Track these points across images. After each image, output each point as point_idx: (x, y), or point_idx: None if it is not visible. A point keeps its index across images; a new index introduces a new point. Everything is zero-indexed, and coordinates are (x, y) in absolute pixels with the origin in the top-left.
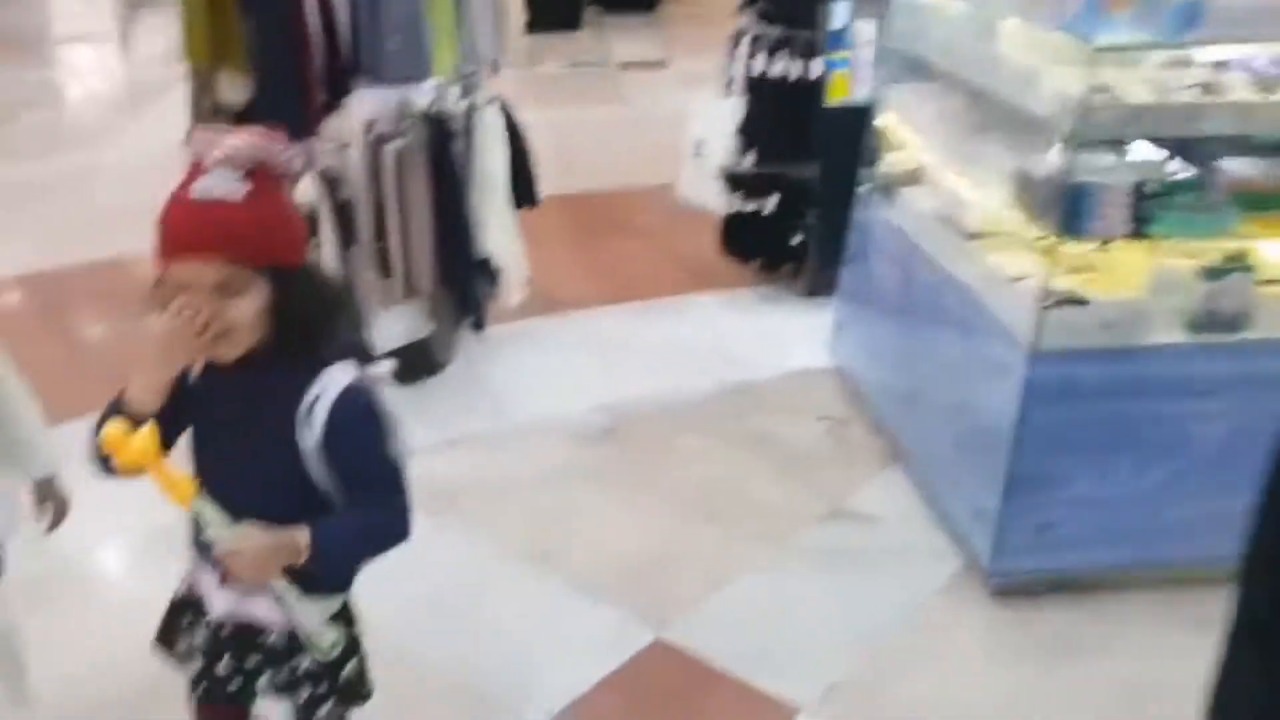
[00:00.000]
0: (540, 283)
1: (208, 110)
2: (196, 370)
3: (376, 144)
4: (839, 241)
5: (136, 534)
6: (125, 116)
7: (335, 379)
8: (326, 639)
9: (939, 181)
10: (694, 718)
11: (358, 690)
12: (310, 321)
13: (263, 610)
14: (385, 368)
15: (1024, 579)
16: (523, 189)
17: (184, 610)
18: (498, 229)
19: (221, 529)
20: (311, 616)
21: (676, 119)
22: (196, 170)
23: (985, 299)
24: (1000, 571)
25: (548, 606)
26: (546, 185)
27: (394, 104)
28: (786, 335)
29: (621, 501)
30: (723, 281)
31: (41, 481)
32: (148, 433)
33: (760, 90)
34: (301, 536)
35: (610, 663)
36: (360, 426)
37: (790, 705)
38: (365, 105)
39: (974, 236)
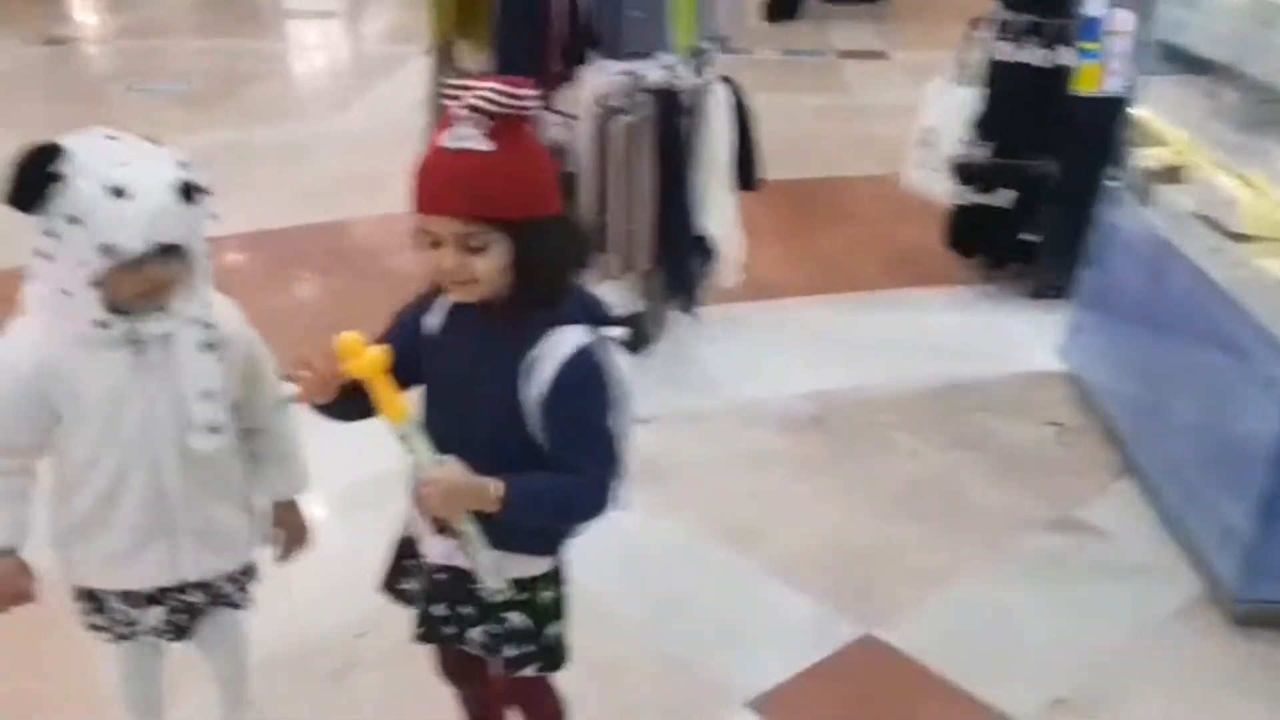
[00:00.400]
0: (755, 268)
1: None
2: (436, 314)
3: (606, 117)
4: (1075, 241)
5: (339, 487)
6: (352, 90)
7: (568, 338)
8: (499, 592)
9: (1202, 180)
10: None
11: (558, 654)
12: (552, 276)
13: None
14: (620, 332)
15: (1275, 608)
16: (745, 171)
17: (406, 553)
18: (718, 209)
19: (424, 458)
20: (488, 566)
21: (898, 110)
22: (448, 119)
23: (1251, 306)
24: (1247, 598)
25: (749, 590)
26: (763, 172)
27: (627, 77)
28: (1012, 335)
29: (828, 492)
30: (942, 277)
31: (284, 505)
32: (381, 349)
33: (1002, 78)
34: (496, 486)
35: (815, 654)
36: (583, 392)
37: (1009, 718)
38: (598, 78)
39: (1241, 239)
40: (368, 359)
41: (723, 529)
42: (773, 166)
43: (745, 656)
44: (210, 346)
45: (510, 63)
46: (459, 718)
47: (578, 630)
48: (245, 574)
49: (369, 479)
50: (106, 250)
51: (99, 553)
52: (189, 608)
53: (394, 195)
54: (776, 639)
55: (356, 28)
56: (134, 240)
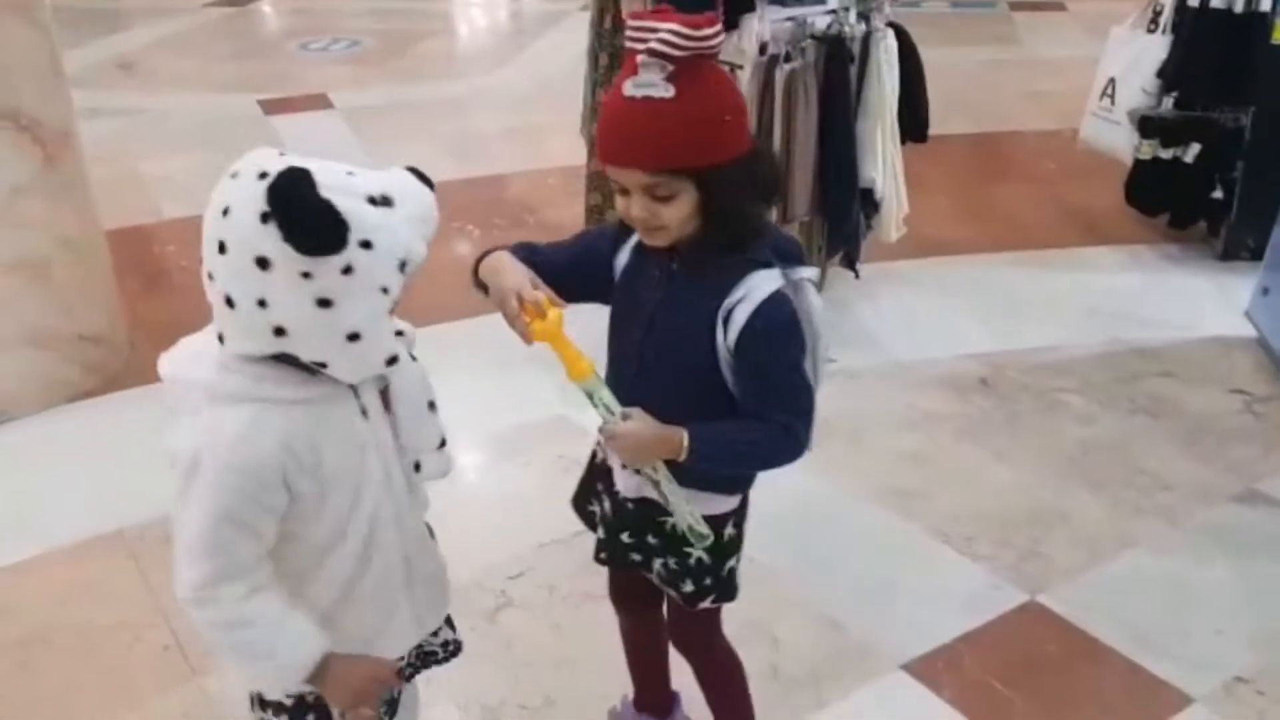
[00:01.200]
0: (919, 224)
1: (609, 29)
2: (625, 254)
3: (770, 65)
4: (1269, 199)
5: (492, 434)
6: (511, 47)
7: (761, 284)
8: (698, 531)
9: None
10: (1070, 689)
11: (732, 588)
12: (742, 218)
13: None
14: (812, 272)
15: None
16: (914, 122)
17: (596, 476)
18: (882, 162)
19: (610, 411)
20: (682, 507)
21: (1073, 63)
22: (633, 64)
23: None
24: None
25: (908, 550)
26: (931, 126)
27: (792, 24)
28: (1196, 298)
29: (994, 454)
30: (1122, 236)
31: None
32: (559, 315)
33: (1194, 24)
34: (681, 436)
35: (976, 618)
36: (775, 338)
37: (1184, 694)
38: (763, 25)
39: None
40: (552, 321)
41: (883, 489)
42: (940, 121)
43: (901, 619)
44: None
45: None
46: (624, 650)
47: None
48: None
49: (522, 426)
50: (403, 266)
51: (346, 641)
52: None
53: (549, 149)
54: (934, 602)
55: None
56: (420, 246)
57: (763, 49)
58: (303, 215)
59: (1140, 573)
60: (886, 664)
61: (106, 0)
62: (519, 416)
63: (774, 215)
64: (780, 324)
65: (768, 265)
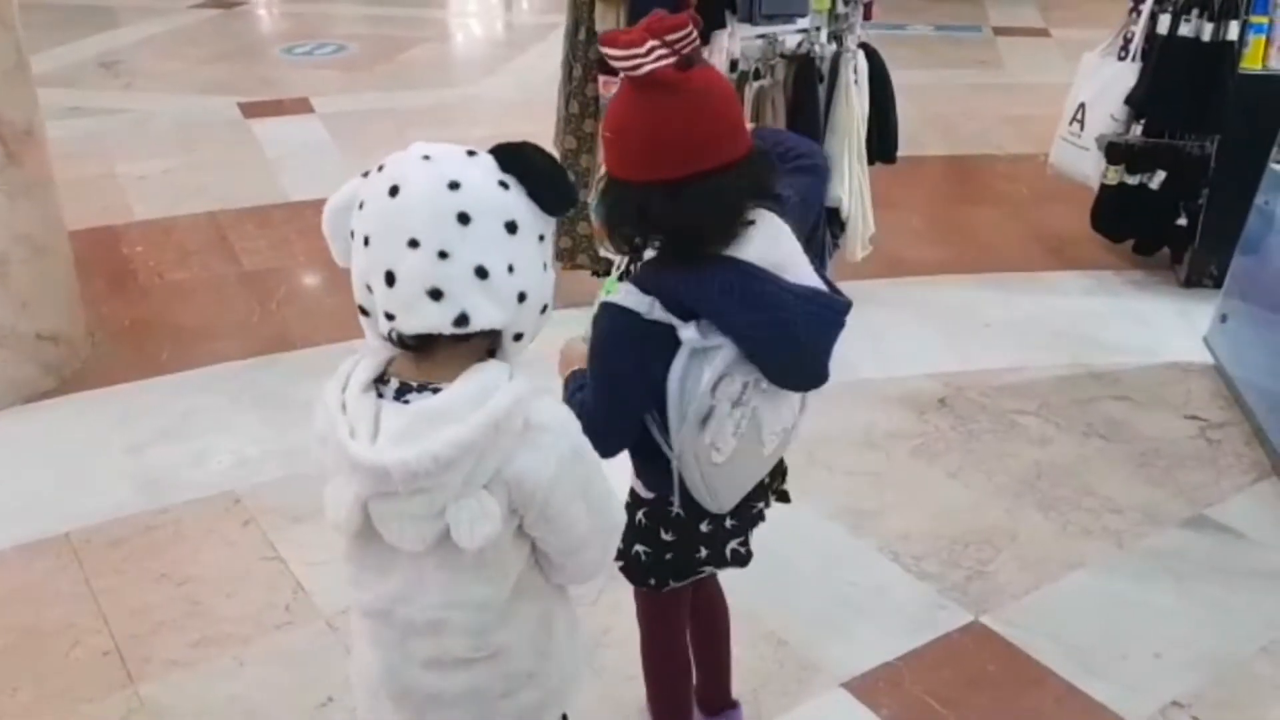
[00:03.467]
0: (888, 244)
1: (583, 41)
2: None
3: (739, 82)
4: (1232, 226)
5: None
6: (500, 57)
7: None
8: None
9: None
10: (1007, 710)
11: (635, 571)
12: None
13: None
14: (691, 335)
15: None
16: (881, 143)
17: None
18: (849, 181)
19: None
20: None
21: (1054, 88)
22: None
23: None
24: None
25: (856, 569)
26: (905, 146)
27: (762, 42)
28: (1157, 324)
29: (949, 475)
30: (1087, 261)
31: None
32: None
33: (1163, 53)
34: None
35: (920, 637)
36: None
37: (1119, 717)
38: (734, 41)
39: None
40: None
41: (837, 507)
42: (918, 142)
43: (845, 637)
44: None
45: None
46: None
47: None
48: None
49: None
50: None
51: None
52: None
53: None
54: (879, 621)
55: None
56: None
57: (733, 65)
58: (550, 175)
59: (1084, 595)
60: (827, 682)
61: None
62: None
63: None
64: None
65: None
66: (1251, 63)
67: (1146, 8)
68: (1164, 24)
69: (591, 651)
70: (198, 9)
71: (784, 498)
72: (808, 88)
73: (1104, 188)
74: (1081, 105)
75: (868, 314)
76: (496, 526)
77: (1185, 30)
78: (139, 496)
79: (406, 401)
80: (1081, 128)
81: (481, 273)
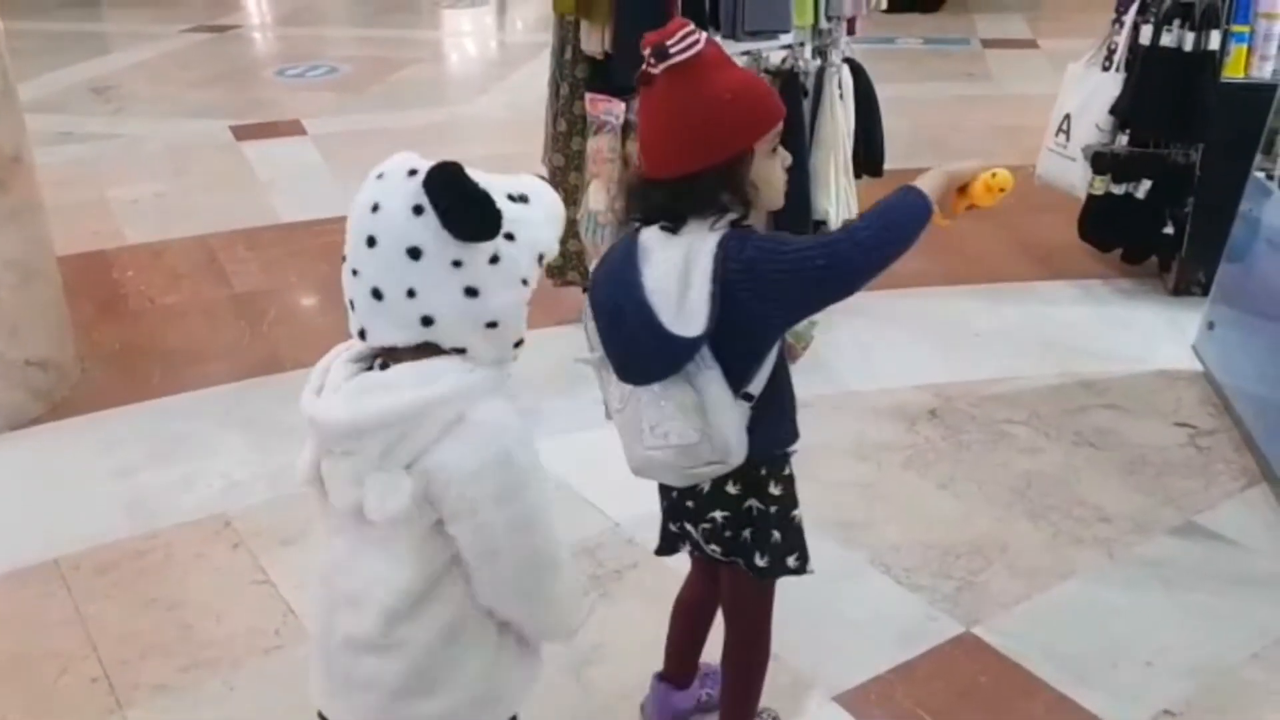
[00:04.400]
0: None
1: (569, 60)
2: None
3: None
4: (1218, 233)
5: None
6: (491, 76)
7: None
8: None
9: None
10: None
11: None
12: None
13: None
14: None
15: None
16: (868, 156)
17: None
18: (837, 194)
19: None
20: None
21: (1043, 100)
22: None
23: None
24: None
25: (847, 581)
26: (894, 159)
27: (746, 59)
28: (1145, 332)
29: (939, 485)
30: (1076, 271)
31: None
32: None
33: (1146, 62)
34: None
35: (911, 649)
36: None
37: None
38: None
39: None
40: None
41: (827, 519)
42: (906, 154)
43: (836, 649)
44: None
45: (627, 44)
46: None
47: (639, 619)
48: None
49: None
50: (540, 258)
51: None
52: None
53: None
54: (871, 633)
55: (503, 17)
56: (555, 241)
57: None
58: (463, 202)
59: (1075, 604)
60: (819, 695)
61: (87, 24)
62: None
63: None
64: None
65: None
66: (1234, 71)
67: (1129, 18)
68: (1146, 34)
69: (579, 669)
70: (190, 33)
71: None
72: (793, 103)
73: (1091, 197)
74: (1067, 116)
75: (857, 326)
76: (403, 503)
77: (1167, 40)
78: (128, 521)
79: (364, 373)
80: (1067, 138)
81: (377, 294)
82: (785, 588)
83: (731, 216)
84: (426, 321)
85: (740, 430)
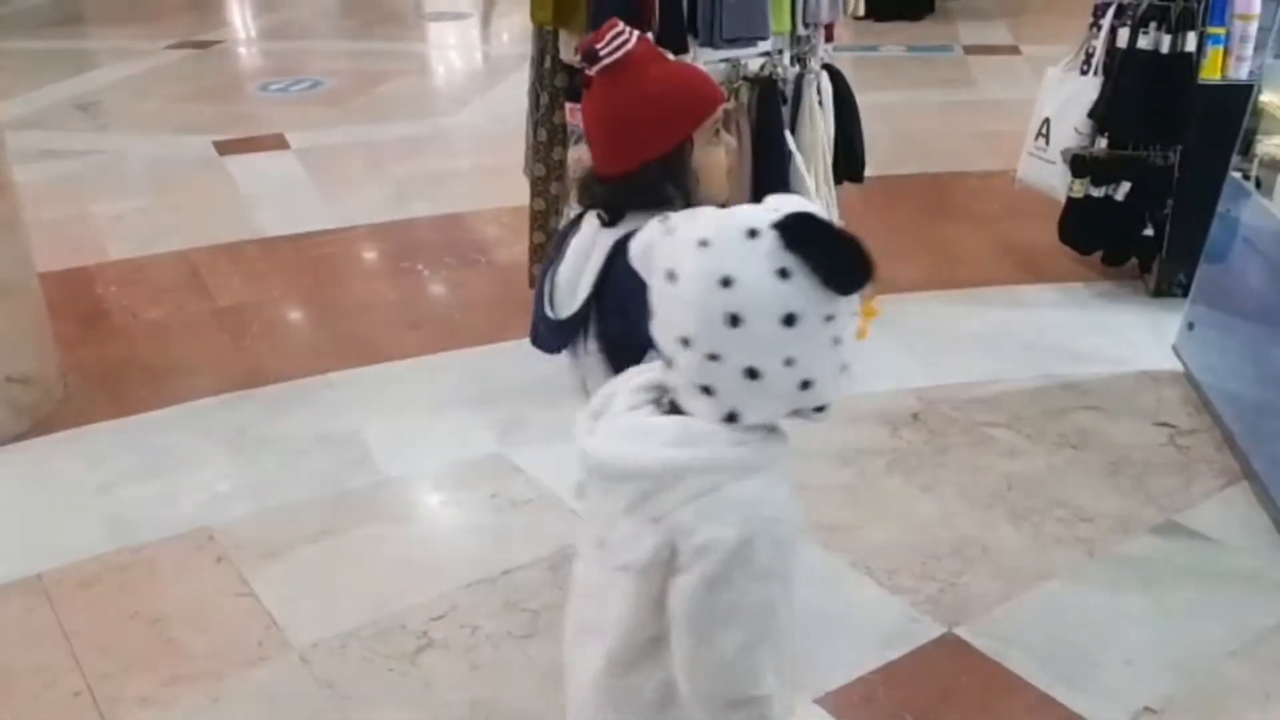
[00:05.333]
0: None
1: (549, 69)
2: None
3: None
4: (1198, 234)
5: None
6: (473, 88)
7: None
8: None
9: None
10: None
11: None
12: None
13: None
14: None
15: None
16: (848, 163)
17: None
18: (817, 200)
19: None
20: None
21: (1024, 105)
22: None
23: None
24: None
25: (830, 583)
26: (877, 165)
27: (725, 66)
28: (1127, 334)
29: (922, 488)
30: (1057, 274)
31: None
32: None
33: (1123, 66)
34: None
35: (893, 651)
36: None
37: None
38: (696, 66)
39: None
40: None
41: (810, 523)
42: (889, 161)
43: (819, 652)
44: None
45: None
46: None
47: None
48: None
49: (457, 465)
50: None
51: None
52: None
53: (503, 189)
54: (853, 634)
55: (488, 29)
56: None
57: None
58: (842, 254)
59: (1056, 604)
60: (802, 697)
61: (71, 42)
62: (455, 455)
63: None
64: None
65: None
66: (1210, 73)
67: (1106, 22)
68: (1124, 38)
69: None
70: (174, 49)
71: None
72: (772, 110)
73: (1071, 201)
74: (1046, 120)
75: None
76: (642, 558)
77: (1144, 43)
78: (111, 536)
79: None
80: (1047, 142)
81: (752, 374)
82: None
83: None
84: (805, 385)
85: None
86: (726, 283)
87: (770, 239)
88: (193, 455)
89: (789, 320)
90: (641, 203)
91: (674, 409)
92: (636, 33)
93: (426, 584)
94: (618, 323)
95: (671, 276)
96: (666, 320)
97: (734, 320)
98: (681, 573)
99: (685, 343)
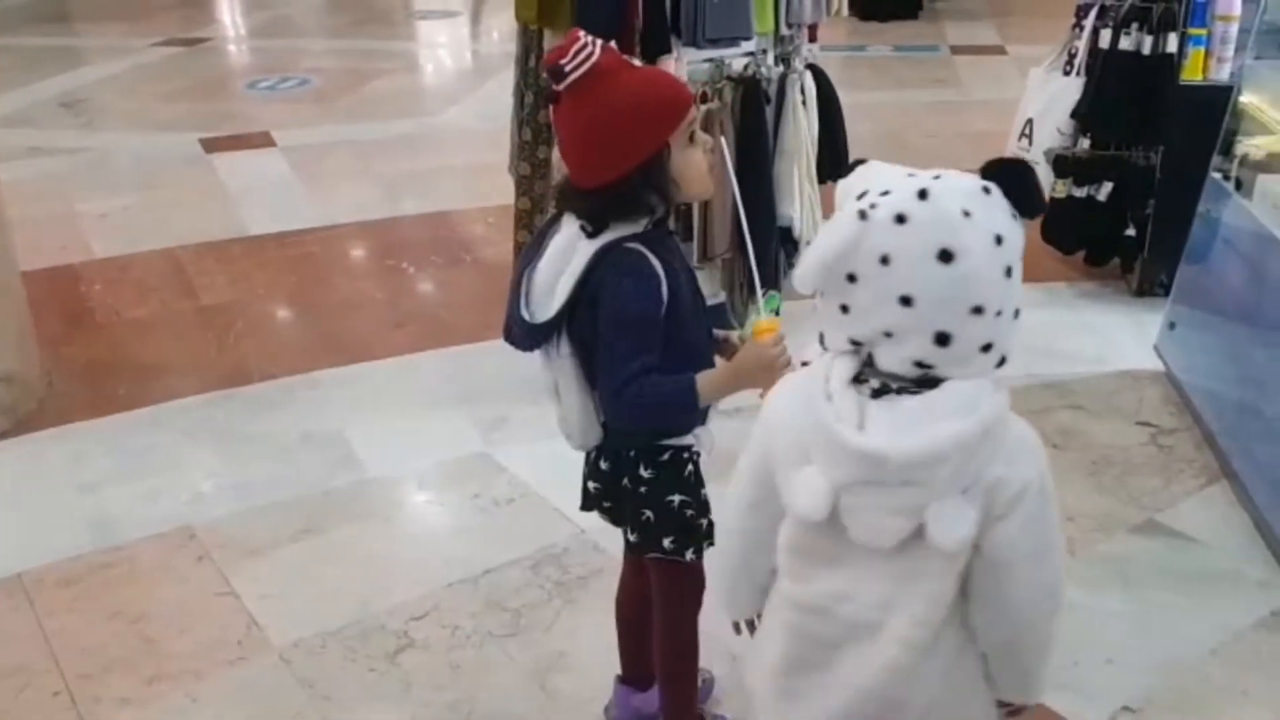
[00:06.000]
0: None
1: (533, 69)
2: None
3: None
4: (1179, 235)
5: (422, 469)
6: (462, 87)
7: None
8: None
9: None
10: None
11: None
12: None
13: None
14: None
15: None
16: (832, 162)
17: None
18: (801, 200)
19: None
20: None
21: (1010, 105)
22: None
23: None
24: None
25: None
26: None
27: (709, 66)
28: (1109, 333)
29: None
30: (1040, 274)
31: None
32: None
33: (1105, 66)
34: None
35: None
36: None
37: None
38: (680, 66)
39: None
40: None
41: None
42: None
43: None
44: None
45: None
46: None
47: (604, 626)
48: None
49: (441, 464)
50: None
51: None
52: None
53: (490, 188)
54: None
55: (477, 28)
56: None
57: None
58: (1034, 191)
59: None
60: None
61: (58, 39)
62: (439, 454)
63: (695, 252)
64: None
65: None
66: (1191, 74)
67: (1089, 23)
68: (1106, 38)
69: (543, 676)
70: (160, 46)
71: None
72: (755, 110)
73: (1053, 200)
74: (1029, 120)
75: (815, 331)
76: (972, 531)
77: (1126, 44)
78: (93, 535)
79: (884, 399)
80: (1030, 142)
81: (1016, 314)
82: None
83: (658, 216)
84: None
85: (586, 416)
86: (999, 240)
87: (997, 191)
88: (175, 454)
89: (1009, 272)
90: (623, 213)
91: (884, 389)
92: (600, 42)
93: (408, 583)
94: (592, 329)
95: (946, 256)
96: (940, 300)
97: (1009, 271)
98: (1001, 520)
99: (978, 311)
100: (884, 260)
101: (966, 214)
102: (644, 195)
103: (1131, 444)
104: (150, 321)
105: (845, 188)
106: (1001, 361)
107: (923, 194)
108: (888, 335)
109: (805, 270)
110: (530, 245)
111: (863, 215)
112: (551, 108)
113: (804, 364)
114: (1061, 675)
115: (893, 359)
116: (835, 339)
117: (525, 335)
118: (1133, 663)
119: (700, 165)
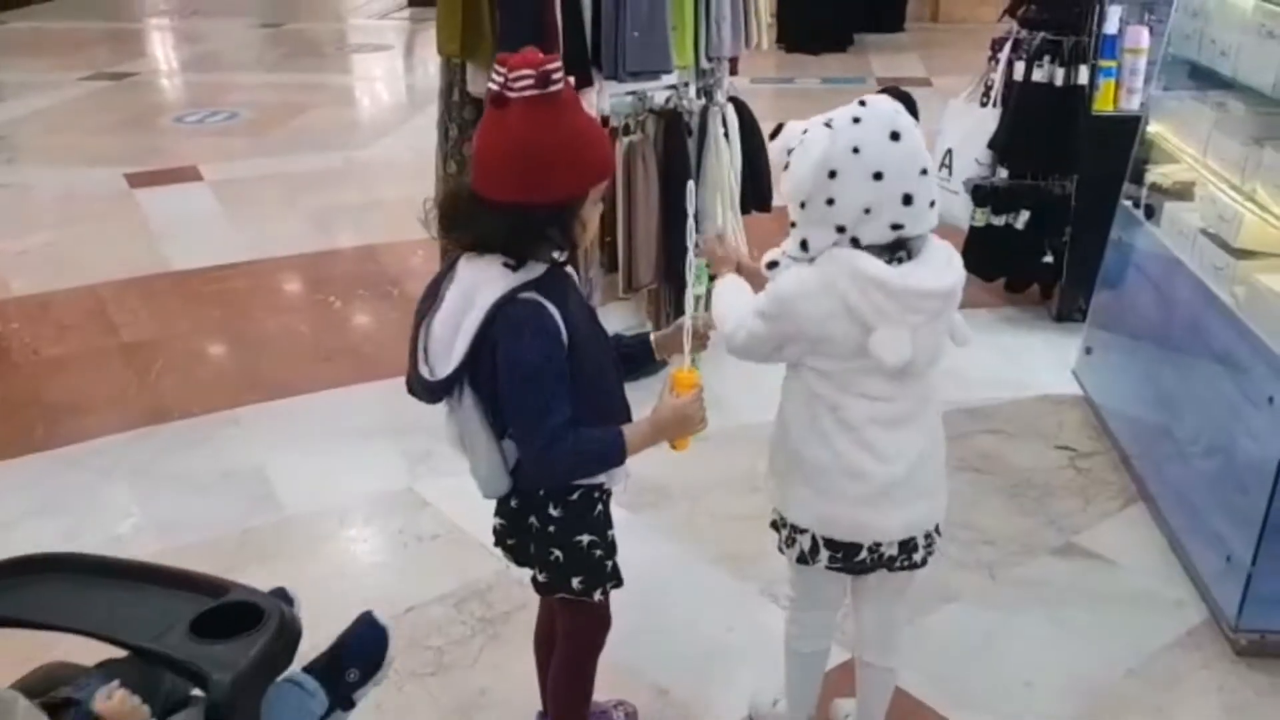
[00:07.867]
0: None
1: (457, 102)
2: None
3: (610, 138)
4: (1095, 261)
5: (347, 504)
6: (392, 120)
7: None
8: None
9: (1208, 196)
10: None
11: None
12: None
13: None
14: None
15: (1276, 639)
16: (755, 192)
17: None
18: (723, 229)
19: None
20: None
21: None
22: None
23: (1253, 324)
24: (1248, 628)
25: (739, 612)
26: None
27: (631, 99)
28: (1028, 359)
29: None
30: (962, 301)
31: None
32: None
33: (1020, 98)
34: None
35: None
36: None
37: None
38: (602, 99)
39: (1245, 255)
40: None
41: (719, 552)
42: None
43: (726, 681)
44: None
45: None
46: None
47: (528, 661)
48: None
49: (366, 498)
50: None
51: None
52: None
53: (417, 221)
54: (759, 664)
55: (409, 60)
56: None
57: (604, 121)
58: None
59: (957, 627)
60: None
61: None
62: (362, 490)
63: (620, 283)
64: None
65: None
66: (1103, 105)
67: (1004, 55)
68: (1020, 71)
69: (466, 713)
70: (88, 80)
71: None
72: (678, 142)
73: (973, 229)
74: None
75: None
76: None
77: (1039, 76)
78: None
79: (901, 262)
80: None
81: (933, 173)
82: (676, 622)
83: (557, 257)
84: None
85: (493, 467)
86: (896, 137)
87: (881, 114)
88: (91, 494)
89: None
90: (519, 242)
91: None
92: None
93: (328, 622)
94: (495, 379)
95: (895, 136)
96: (900, 170)
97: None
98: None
99: (924, 173)
100: (855, 150)
101: (895, 111)
102: (547, 230)
103: (1051, 467)
104: (69, 360)
105: (781, 143)
106: (931, 204)
107: (861, 103)
108: (867, 211)
109: (799, 178)
110: (425, 296)
111: (828, 124)
112: (490, 108)
113: (769, 265)
114: (982, 698)
115: (874, 231)
116: (822, 235)
117: (425, 390)
118: (1052, 684)
119: (595, 227)
